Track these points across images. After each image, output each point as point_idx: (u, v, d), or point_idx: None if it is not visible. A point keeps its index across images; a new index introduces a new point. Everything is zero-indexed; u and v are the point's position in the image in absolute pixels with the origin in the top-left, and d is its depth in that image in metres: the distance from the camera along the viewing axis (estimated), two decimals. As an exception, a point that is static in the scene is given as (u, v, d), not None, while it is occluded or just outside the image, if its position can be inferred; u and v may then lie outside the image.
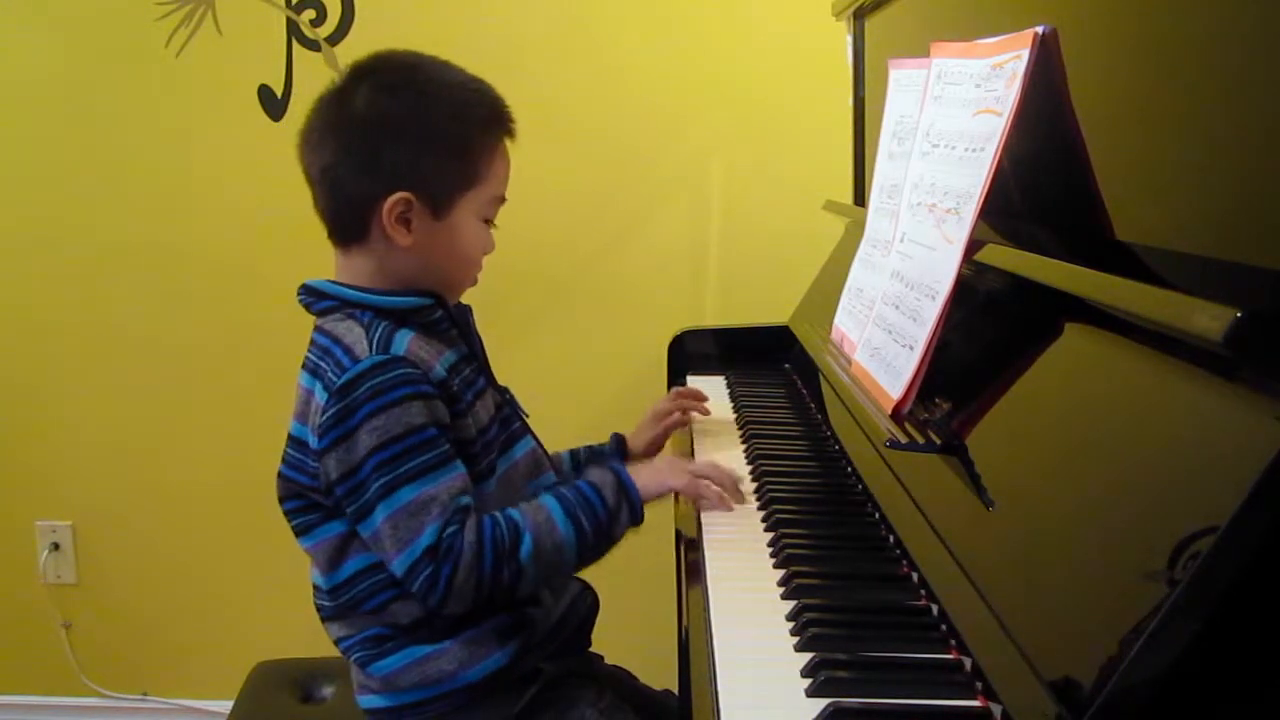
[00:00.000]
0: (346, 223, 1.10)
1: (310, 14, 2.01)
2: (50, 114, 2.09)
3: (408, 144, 1.08)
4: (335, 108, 1.10)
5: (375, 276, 1.10)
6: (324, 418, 1.03)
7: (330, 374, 1.04)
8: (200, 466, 2.15)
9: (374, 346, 1.04)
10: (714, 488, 1.15)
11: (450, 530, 1.02)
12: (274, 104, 2.03)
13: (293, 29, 2.02)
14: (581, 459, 1.35)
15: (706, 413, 1.46)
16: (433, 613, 1.06)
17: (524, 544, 1.04)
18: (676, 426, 1.42)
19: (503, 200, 1.15)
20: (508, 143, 1.14)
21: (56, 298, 2.14)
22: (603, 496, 1.09)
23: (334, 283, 1.11)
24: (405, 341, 1.06)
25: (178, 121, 2.06)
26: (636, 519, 1.11)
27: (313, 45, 2.02)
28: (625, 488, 1.11)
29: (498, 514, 1.06)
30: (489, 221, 1.14)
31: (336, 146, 1.09)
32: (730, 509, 1.14)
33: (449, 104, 1.10)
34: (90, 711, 2.27)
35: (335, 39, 2.01)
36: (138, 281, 2.11)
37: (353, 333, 1.06)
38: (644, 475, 1.13)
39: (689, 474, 1.15)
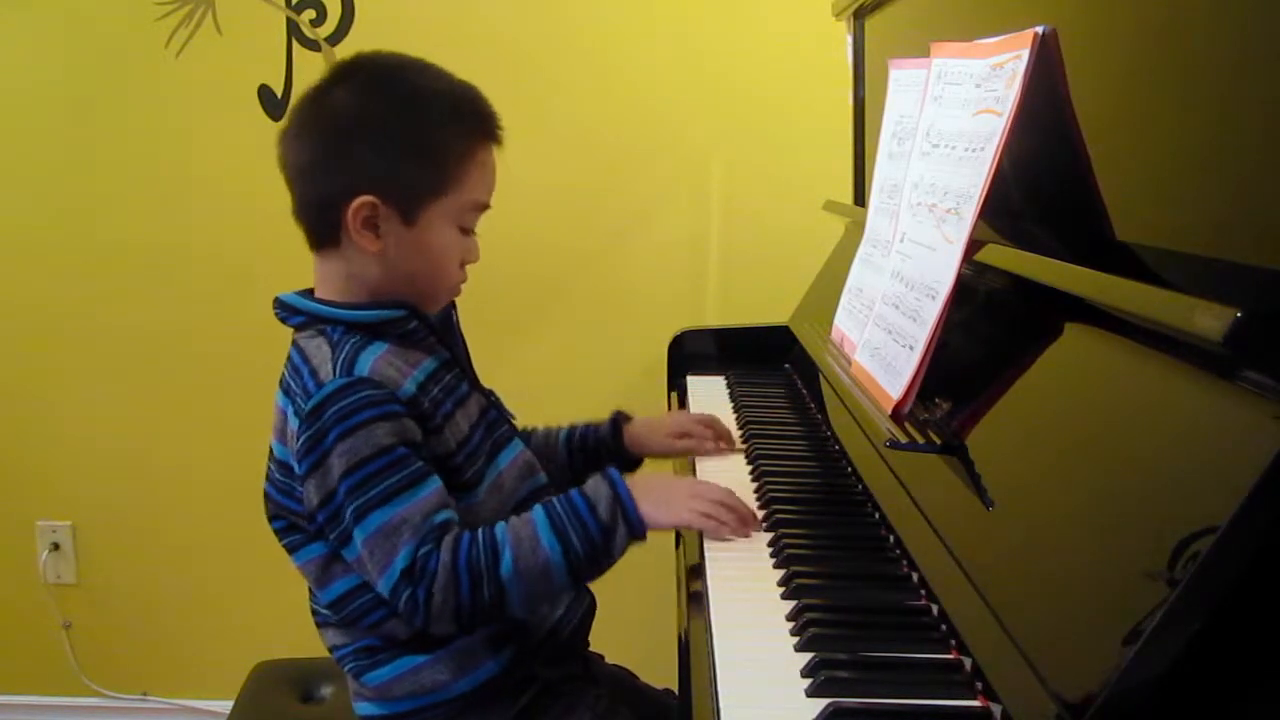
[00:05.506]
0: (317, 225, 1.07)
1: (310, 14, 2.01)
2: (50, 114, 2.09)
3: (375, 146, 1.04)
4: (312, 107, 1.08)
5: (347, 284, 1.07)
6: (298, 444, 1.02)
7: (299, 398, 1.03)
8: (201, 467, 2.15)
9: (338, 369, 1.02)
10: (727, 524, 1.05)
11: (424, 550, 0.98)
12: (274, 104, 2.03)
13: (293, 29, 2.02)
14: (576, 441, 1.32)
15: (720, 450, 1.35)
16: (421, 633, 1.04)
17: (503, 562, 0.99)
18: (689, 454, 1.33)
19: (484, 208, 1.10)
20: (494, 150, 1.09)
21: (56, 298, 2.14)
22: (596, 513, 1.02)
23: (305, 297, 1.08)
24: (371, 360, 1.03)
25: (178, 121, 2.06)
26: (636, 533, 1.03)
27: (313, 45, 2.02)
28: (621, 502, 1.02)
29: (480, 531, 1.01)
30: (467, 230, 1.09)
31: (309, 146, 1.07)
32: (747, 536, 1.06)
33: (423, 107, 1.06)
34: (90, 711, 2.27)
35: (335, 39, 2.01)
36: (138, 281, 2.11)
37: (320, 352, 1.04)
38: (649, 501, 1.04)
39: (700, 513, 1.05)
